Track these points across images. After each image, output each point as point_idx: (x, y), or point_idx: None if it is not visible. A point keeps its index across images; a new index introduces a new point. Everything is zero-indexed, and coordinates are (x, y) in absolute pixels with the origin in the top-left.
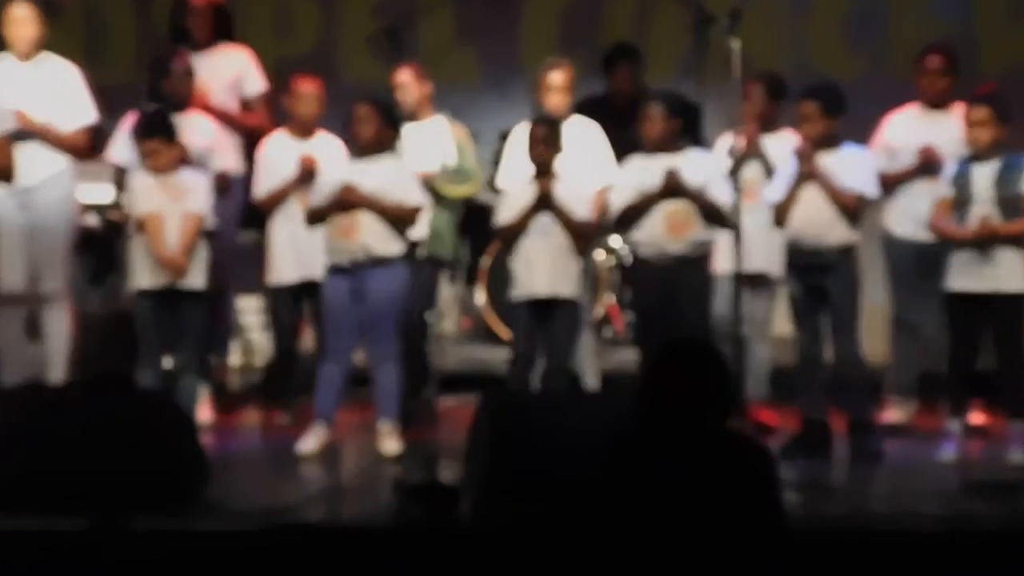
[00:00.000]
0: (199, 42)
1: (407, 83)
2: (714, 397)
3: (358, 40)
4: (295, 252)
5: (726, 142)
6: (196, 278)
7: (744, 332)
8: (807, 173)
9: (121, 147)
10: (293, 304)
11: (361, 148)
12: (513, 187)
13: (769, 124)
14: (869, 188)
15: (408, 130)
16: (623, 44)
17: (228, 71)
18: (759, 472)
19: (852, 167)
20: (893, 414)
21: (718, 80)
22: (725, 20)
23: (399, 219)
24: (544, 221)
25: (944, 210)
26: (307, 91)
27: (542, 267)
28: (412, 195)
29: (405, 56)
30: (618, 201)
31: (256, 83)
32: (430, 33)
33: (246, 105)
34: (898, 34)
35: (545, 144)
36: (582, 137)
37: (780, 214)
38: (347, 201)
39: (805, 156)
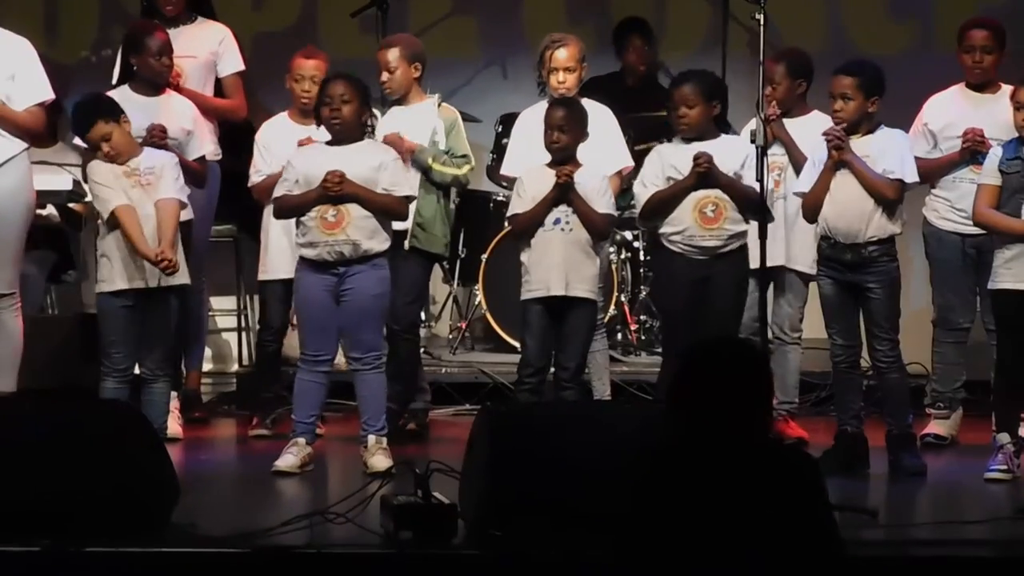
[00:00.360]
0: (172, 16)
1: (394, 64)
2: (759, 402)
3: (342, 13)
4: (291, 246)
5: (750, 127)
6: (181, 273)
7: (771, 335)
8: (838, 159)
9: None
10: (286, 304)
11: (340, 131)
12: (528, 175)
13: (793, 107)
14: (908, 173)
15: (395, 115)
16: (634, 17)
17: (204, 48)
18: (811, 483)
19: (888, 150)
20: (936, 426)
21: (743, 58)
22: None
23: (389, 211)
24: (561, 214)
25: (990, 199)
26: (310, 69)
27: (559, 264)
28: (400, 183)
29: (394, 31)
30: (644, 192)
31: (234, 63)
32: (423, 2)
33: (220, 86)
34: (945, 4)
35: (565, 129)
36: (594, 123)
37: (810, 205)
38: (335, 191)
39: (836, 140)
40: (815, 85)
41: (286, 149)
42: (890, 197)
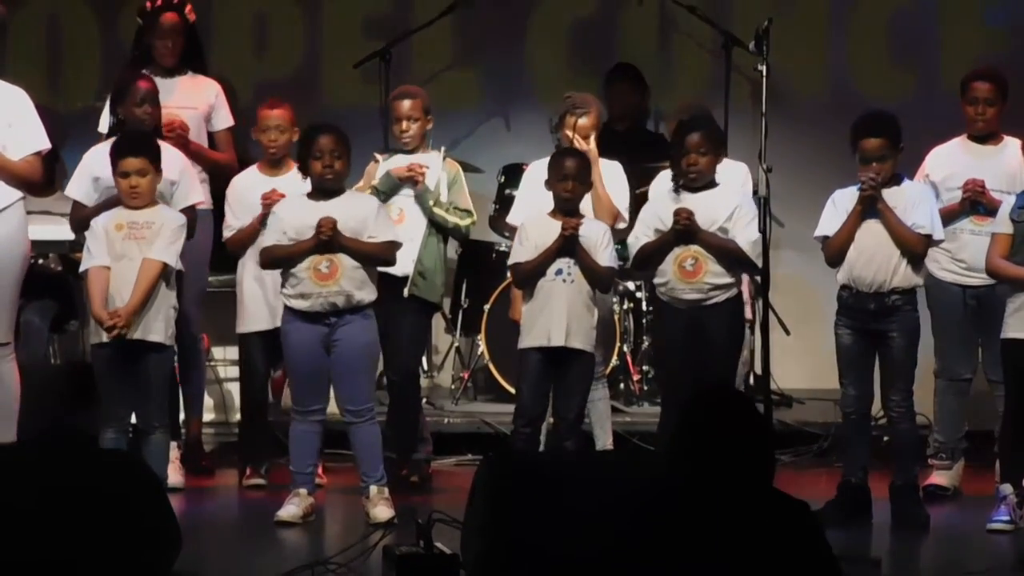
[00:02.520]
0: (166, 67)
1: (416, 115)
2: (757, 455)
3: (345, 62)
4: (266, 297)
5: (750, 174)
6: (156, 331)
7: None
8: (872, 207)
9: (79, 183)
10: (267, 354)
11: (332, 184)
12: (531, 223)
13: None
14: (937, 229)
15: (398, 162)
16: (621, 64)
17: (201, 101)
18: (811, 534)
19: (917, 204)
20: (938, 477)
21: (745, 108)
22: (752, 43)
23: (379, 258)
24: (564, 264)
25: (1003, 248)
26: (274, 119)
27: (560, 314)
28: (385, 229)
29: (396, 81)
30: (634, 243)
31: (225, 118)
32: (425, 52)
33: (212, 141)
34: (949, 51)
35: (575, 180)
36: (605, 176)
37: (835, 251)
38: (327, 241)
39: (872, 190)
40: (813, 137)
41: (256, 201)
42: (919, 251)
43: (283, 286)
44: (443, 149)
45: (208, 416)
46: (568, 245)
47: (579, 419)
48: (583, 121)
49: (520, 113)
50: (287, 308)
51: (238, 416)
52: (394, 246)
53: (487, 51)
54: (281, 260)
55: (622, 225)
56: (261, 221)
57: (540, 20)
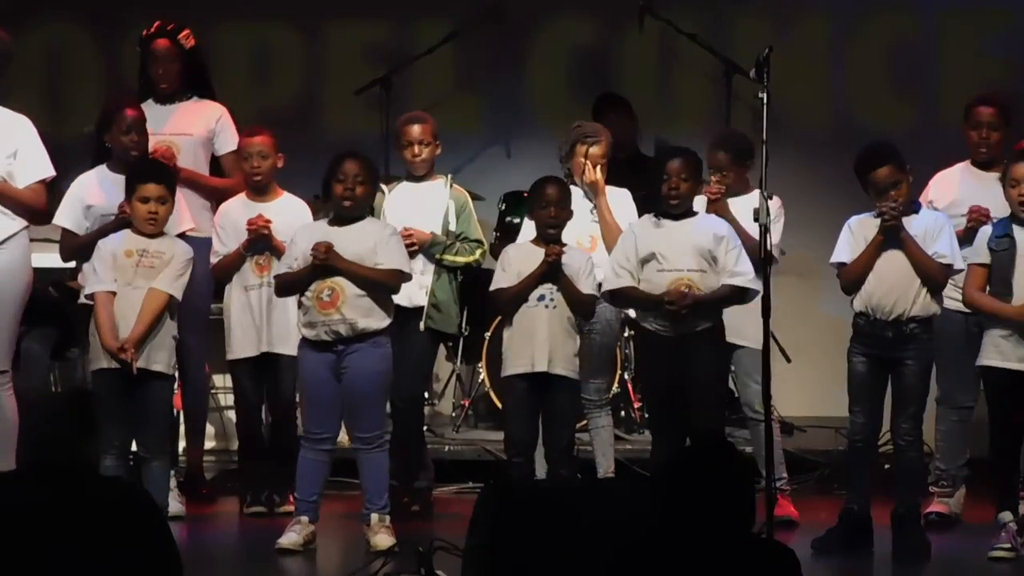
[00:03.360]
0: (167, 92)
1: (427, 139)
2: (736, 504)
3: (346, 89)
4: (254, 322)
5: (752, 203)
6: (159, 361)
7: (747, 413)
8: (894, 234)
9: (69, 211)
10: (257, 380)
11: (350, 210)
12: (513, 250)
13: (740, 188)
14: (958, 259)
15: (405, 191)
16: (609, 94)
17: (200, 126)
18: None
19: (937, 234)
20: (939, 505)
21: (747, 134)
22: (752, 71)
23: (381, 284)
24: (547, 291)
25: (980, 280)
26: (256, 146)
27: (543, 340)
28: (394, 257)
29: (397, 108)
30: (613, 279)
31: (231, 141)
32: (426, 79)
33: (218, 165)
34: (949, 80)
35: (557, 207)
36: (613, 204)
37: (852, 278)
38: (324, 265)
39: (894, 219)
40: (813, 165)
41: (243, 226)
42: (940, 281)
43: (298, 314)
44: (450, 176)
45: (209, 444)
46: (551, 271)
47: (570, 447)
48: (595, 150)
49: (521, 140)
50: (302, 337)
51: (238, 444)
52: (401, 275)
53: (487, 78)
54: (288, 286)
55: None
56: (247, 247)
57: (540, 48)
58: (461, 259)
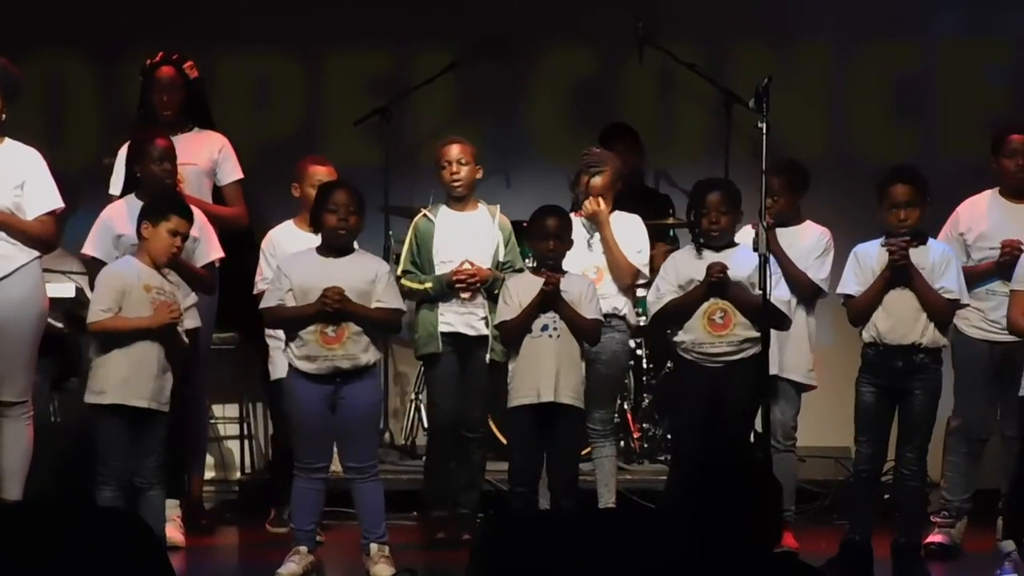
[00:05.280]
0: (169, 122)
1: (465, 159)
2: (769, 520)
3: (345, 121)
4: None
5: (749, 234)
6: (163, 396)
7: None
8: (903, 272)
9: (100, 241)
10: None
11: (345, 241)
12: (514, 282)
13: (790, 218)
14: (965, 294)
15: (451, 220)
16: (617, 124)
17: (203, 156)
18: None
19: (944, 268)
20: (940, 535)
21: (745, 166)
22: (752, 100)
23: (384, 326)
24: (549, 320)
25: (1023, 306)
26: (323, 176)
27: (548, 370)
28: (394, 296)
29: (397, 139)
30: (657, 301)
31: (233, 171)
32: (425, 110)
33: (219, 195)
34: (948, 110)
35: (557, 239)
36: (623, 230)
37: (861, 311)
38: (334, 309)
39: (902, 255)
40: (810, 193)
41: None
42: (946, 317)
43: (287, 343)
44: (497, 206)
45: (208, 474)
46: (549, 299)
47: (574, 478)
48: (596, 180)
49: (520, 170)
50: (291, 367)
51: (238, 474)
52: (399, 314)
53: (487, 108)
54: (287, 322)
55: (642, 281)
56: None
57: (540, 77)
58: None
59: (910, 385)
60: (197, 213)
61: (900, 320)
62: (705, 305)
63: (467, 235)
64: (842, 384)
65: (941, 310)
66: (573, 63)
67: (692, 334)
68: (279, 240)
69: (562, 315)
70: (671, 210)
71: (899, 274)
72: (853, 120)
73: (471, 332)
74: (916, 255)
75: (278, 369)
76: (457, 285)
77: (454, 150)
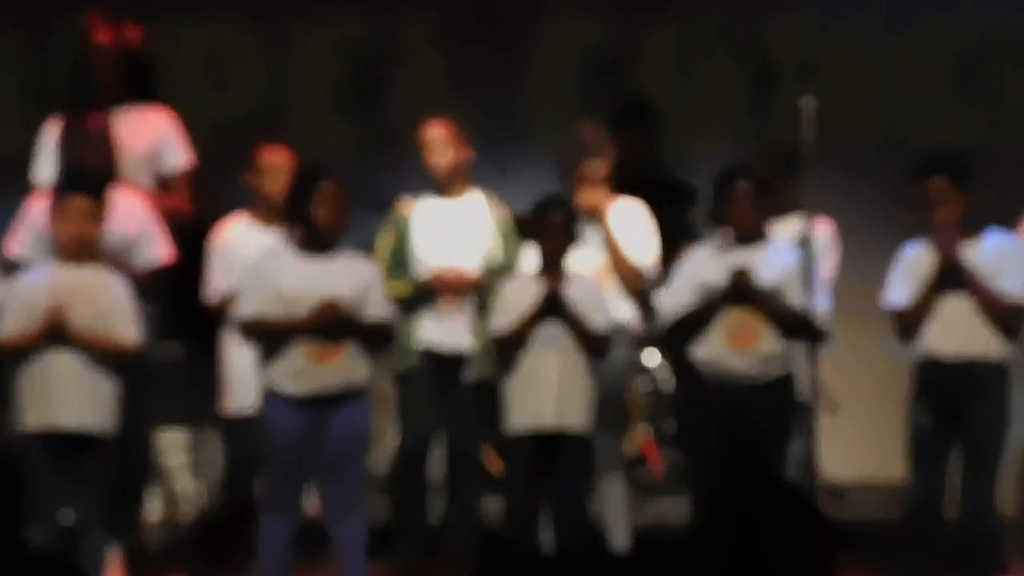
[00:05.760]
0: (106, 97)
1: (445, 142)
2: (817, 559)
3: (317, 98)
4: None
5: (793, 228)
6: (94, 419)
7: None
8: (955, 272)
9: (24, 238)
10: (258, 441)
11: (331, 238)
12: (512, 287)
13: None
14: None
15: (434, 209)
16: (632, 103)
17: (146, 138)
18: None
19: (1007, 265)
20: None
21: (785, 147)
22: (792, 75)
23: (378, 339)
24: (553, 331)
25: None
26: (277, 164)
27: (551, 390)
28: (385, 307)
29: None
30: (672, 306)
31: (178, 155)
32: (411, 87)
33: (164, 182)
34: (1017, 89)
35: (562, 234)
36: (625, 221)
37: (911, 322)
38: (328, 324)
39: (952, 255)
40: (861, 185)
41: (249, 256)
42: (1011, 325)
43: (263, 360)
44: (490, 194)
45: (155, 514)
46: (551, 306)
47: (583, 514)
48: (595, 168)
49: (519, 157)
50: (268, 389)
51: (189, 513)
52: (392, 328)
53: (482, 85)
54: (269, 336)
55: (650, 283)
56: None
57: (543, 50)
58: None
59: (971, 408)
60: (141, 207)
61: (956, 330)
62: (726, 315)
63: (453, 225)
64: (892, 404)
65: (1004, 316)
66: (581, 33)
67: (710, 348)
68: (233, 239)
69: (567, 325)
70: (693, 202)
71: (949, 275)
72: (908, 98)
73: (450, 351)
74: (970, 251)
75: (238, 398)
76: (439, 292)
77: (433, 132)
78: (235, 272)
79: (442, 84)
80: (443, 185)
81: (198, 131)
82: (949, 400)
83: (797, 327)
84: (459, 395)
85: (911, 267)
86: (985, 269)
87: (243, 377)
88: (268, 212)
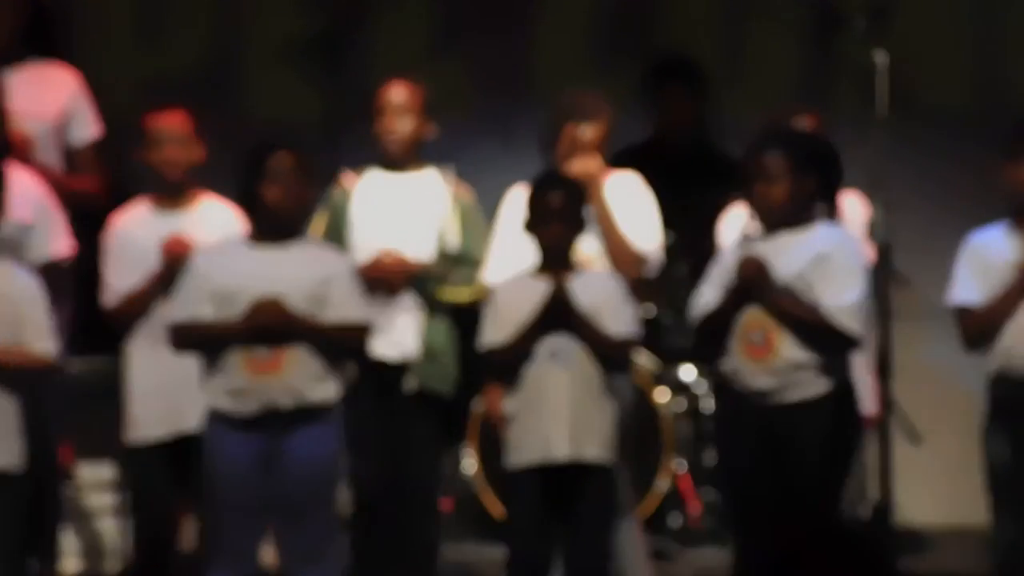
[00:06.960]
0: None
1: (406, 108)
2: None
3: (273, 52)
4: (165, 391)
5: (858, 206)
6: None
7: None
8: None
9: None
10: (167, 471)
11: (285, 222)
12: (505, 289)
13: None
14: None
15: (381, 187)
16: (674, 58)
17: (52, 105)
18: None
19: None
20: None
21: (854, 114)
22: (863, 22)
23: (345, 346)
24: (561, 342)
25: None
26: (171, 131)
27: (560, 414)
28: (356, 306)
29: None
30: (698, 308)
31: (90, 127)
32: (393, 38)
33: (70, 158)
34: None
35: (563, 221)
36: (622, 199)
37: (987, 327)
38: (271, 326)
39: None
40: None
41: (150, 248)
42: None
43: (204, 376)
44: (449, 169)
45: (72, 564)
46: (558, 311)
47: (604, 565)
48: (586, 132)
49: (521, 121)
50: (211, 410)
51: (114, 564)
52: (366, 331)
53: (480, 36)
54: (205, 343)
55: (651, 271)
56: (162, 280)
57: None
58: (466, 291)
59: None
60: (35, 189)
61: None
62: (742, 320)
63: (397, 210)
64: (964, 436)
65: None
66: None
67: (730, 360)
68: (132, 229)
69: (577, 333)
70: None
71: None
72: (1010, 53)
73: (394, 355)
74: None
75: (136, 428)
76: (372, 281)
77: (393, 94)
78: (135, 269)
79: (426, 33)
80: (393, 158)
81: (122, 92)
82: None
83: (815, 332)
84: (401, 409)
85: (985, 258)
86: None
87: (148, 397)
88: (167, 194)
